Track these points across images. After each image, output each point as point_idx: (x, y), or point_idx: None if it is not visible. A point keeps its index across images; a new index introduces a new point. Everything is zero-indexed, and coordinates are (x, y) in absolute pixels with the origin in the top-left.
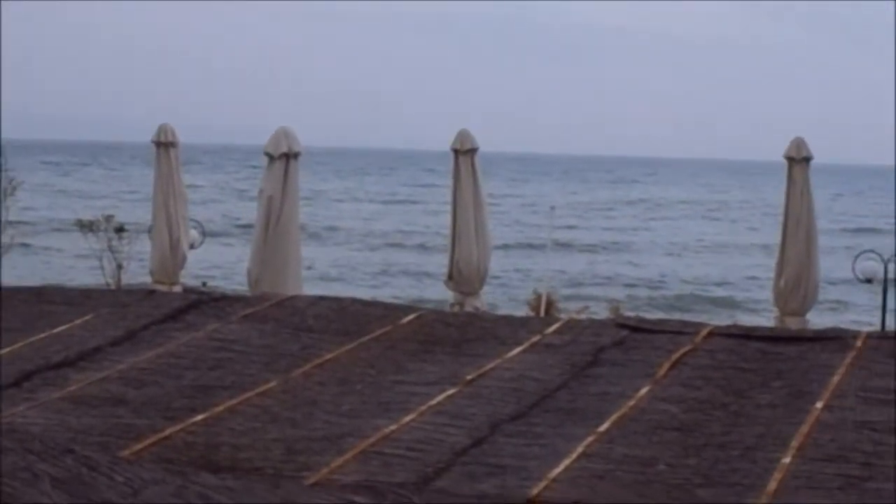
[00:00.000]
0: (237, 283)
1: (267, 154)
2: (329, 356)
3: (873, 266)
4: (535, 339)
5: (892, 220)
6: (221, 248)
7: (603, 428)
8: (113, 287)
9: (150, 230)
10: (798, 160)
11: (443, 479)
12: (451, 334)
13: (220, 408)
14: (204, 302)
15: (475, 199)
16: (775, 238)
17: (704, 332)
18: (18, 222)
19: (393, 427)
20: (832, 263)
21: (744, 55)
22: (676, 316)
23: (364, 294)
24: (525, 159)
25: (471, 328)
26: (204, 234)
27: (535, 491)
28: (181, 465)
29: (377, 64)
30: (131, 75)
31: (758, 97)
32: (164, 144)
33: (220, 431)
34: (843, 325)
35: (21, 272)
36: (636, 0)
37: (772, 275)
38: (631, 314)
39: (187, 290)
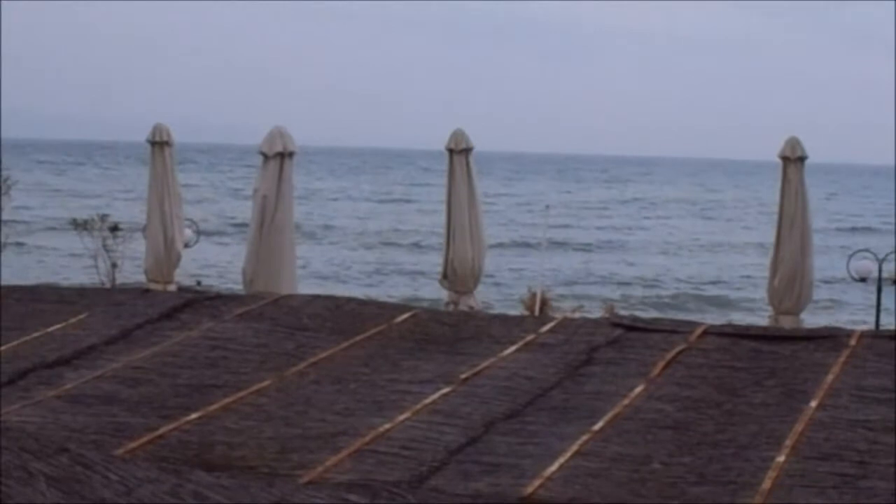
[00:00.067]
0: (232, 282)
1: (262, 153)
2: (324, 355)
3: (867, 265)
4: (530, 338)
5: (886, 219)
6: (216, 247)
7: (597, 426)
8: (107, 286)
9: (144, 229)
10: (793, 160)
11: (437, 478)
12: (446, 333)
13: (215, 406)
14: (198, 301)
15: (470, 198)
16: (770, 237)
17: (699, 331)
18: (13, 221)
19: (387, 426)
20: (827, 262)
21: (740, 54)
22: (671, 315)
23: (359, 293)
24: (519, 158)
25: (465, 327)
26: (198, 233)
27: (529, 489)
28: (176, 463)
29: (371, 63)
30: (126, 74)
31: (756, 97)
32: (158, 144)
33: (215, 430)
34: (837, 324)
35: (15, 271)
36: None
37: (766, 274)
38: (625, 313)
39: (182, 289)
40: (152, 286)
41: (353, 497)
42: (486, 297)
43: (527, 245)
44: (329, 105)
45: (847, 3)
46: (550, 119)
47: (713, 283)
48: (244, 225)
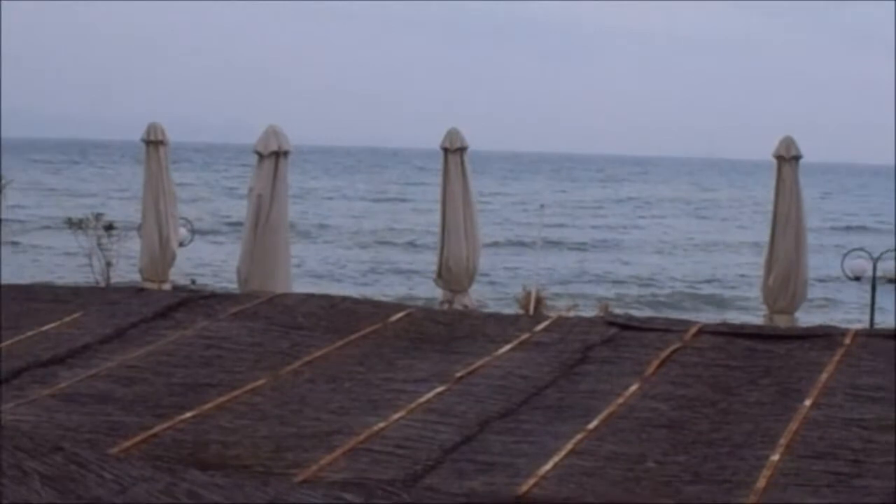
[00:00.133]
0: (227, 281)
1: (256, 152)
2: (318, 354)
3: (862, 264)
4: (525, 336)
5: (881, 218)
6: (211, 246)
7: (592, 425)
8: (102, 285)
9: (139, 228)
10: (787, 159)
11: (432, 477)
12: (441, 332)
13: (210, 405)
14: (193, 300)
15: (465, 197)
16: (765, 236)
17: (693, 329)
18: (8, 220)
19: (382, 424)
20: (821, 261)
21: (740, 54)
22: (665, 314)
23: (353, 292)
24: (515, 157)
25: (460, 326)
26: (193, 231)
27: (524, 488)
28: (170, 462)
29: (371, 63)
30: (126, 74)
31: (755, 97)
32: (153, 143)
33: (210, 429)
34: (831, 323)
35: (10, 270)
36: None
37: (761, 273)
38: (620, 312)
39: (177, 288)
40: (147, 285)
41: (347, 496)
42: (480, 296)
43: (522, 244)
44: (329, 105)
45: (847, 3)
46: (550, 119)
47: (708, 281)
48: (239, 224)
